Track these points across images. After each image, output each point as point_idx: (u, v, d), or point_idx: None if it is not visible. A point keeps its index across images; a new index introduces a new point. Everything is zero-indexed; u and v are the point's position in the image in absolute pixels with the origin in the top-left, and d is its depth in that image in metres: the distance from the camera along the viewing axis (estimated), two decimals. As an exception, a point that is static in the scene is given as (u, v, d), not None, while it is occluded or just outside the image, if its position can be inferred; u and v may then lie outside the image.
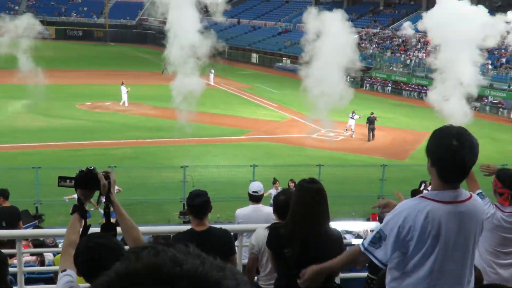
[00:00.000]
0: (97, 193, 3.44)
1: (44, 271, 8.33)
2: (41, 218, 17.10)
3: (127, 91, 35.44)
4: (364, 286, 6.38)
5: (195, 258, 1.06)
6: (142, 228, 3.75)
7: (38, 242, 9.78)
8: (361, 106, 36.26)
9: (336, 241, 4.39)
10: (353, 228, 10.58)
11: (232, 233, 5.56)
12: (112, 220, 3.42)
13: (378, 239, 3.34)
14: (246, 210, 7.54)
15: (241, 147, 27.29)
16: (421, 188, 17.24)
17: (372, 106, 33.15)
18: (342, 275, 6.48)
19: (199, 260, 1.05)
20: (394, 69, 52.55)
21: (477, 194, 4.32)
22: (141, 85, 44.07)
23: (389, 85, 50.84)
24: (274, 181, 17.41)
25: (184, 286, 1.00)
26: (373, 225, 7.67)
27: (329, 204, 4.33)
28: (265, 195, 8.84)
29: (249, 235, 6.31)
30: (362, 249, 3.40)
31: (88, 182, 3.39)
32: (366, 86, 51.46)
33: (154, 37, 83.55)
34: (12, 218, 7.64)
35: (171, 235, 7.31)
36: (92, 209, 14.76)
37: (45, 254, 9.39)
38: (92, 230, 3.44)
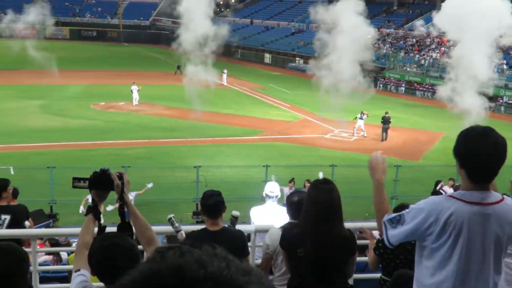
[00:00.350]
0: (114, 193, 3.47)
1: (59, 270, 8.39)
2: (55, 218, 17.22)
3: (138, 90, 35.59)
4: None
5: (221, 261, 1.04)
6: (155, 228, 3.76)
7: (55, 241, 9.85)
8: (374, 106, 36.14)
9: (349, 242, 4.38)
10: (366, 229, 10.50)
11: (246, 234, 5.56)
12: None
13: (397, 220, 3.33)
14: (261, 208, 7.54)
15: (254, 147, 27.29)
16: (437, 188, 17.19)
17: (386, 106, 32.99)
18: (355, 276, 6.46)
19: (224, 263, 1.04)
20: (408, 69, 52.28)
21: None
22: (154, 85, 44.27)
23: (403, 85, 50.59)
24: (290, 181, 17.39)
25: None
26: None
27: (343, 204, 4.32)
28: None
29: (261, 235, 6.31)
30: (384, 219, 3.40)
31: (102, 183, 3.41)
32: (379, 86, 51.24)
33: (168, 38, 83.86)
34: (19, 216, 7.67)
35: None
36: (109, 208, 14.83)
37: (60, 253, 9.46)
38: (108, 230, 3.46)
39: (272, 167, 19.67)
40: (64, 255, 9.68)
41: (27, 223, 7.80)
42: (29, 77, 45.71)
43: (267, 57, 69.12)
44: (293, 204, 5.21)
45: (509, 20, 22.56)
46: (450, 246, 3.19)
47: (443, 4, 24.67)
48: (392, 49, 57.64)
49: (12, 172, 18.06)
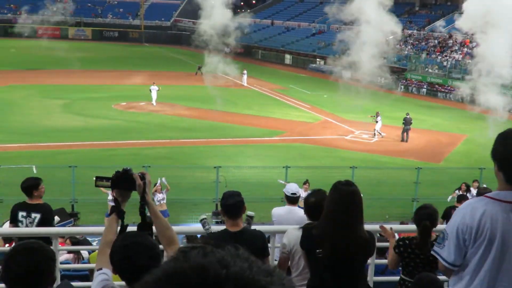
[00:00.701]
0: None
1: (80, 268, 8.47)
2: (76, 216, 17.40)
3: (158, 90, 35.80)
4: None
5: (243, 262, 1.05)
6: (175, 228, 3.78)
7: (75, 240, 9.95)
8: (395, 108, 35.97)
9: (368, 244, 4.36)
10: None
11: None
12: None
13: (442, 238, 3.38)
14: (282, 210, 7.54)
15: (274, 148, 27.28)
16: (462, 190, 17.13)
17: (407, 108, 32.76)
18: (375, 278, 6.43)
19: (247, 264, 1.05)
20: (430, 70, 51.81)
21: None
22: (175, 85, 44.50)
23: (424, 86, 50.16)
24: (305, 182, 17.34)
25: None
26: (407, 228, 7.58)
27: (363, 206, 4.30)
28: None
29: (281, 236, 6.31)
30: (432, 252, 3.46)
31: (124, 182, 3.44)
32: (400, 88, 50.89)
33: (188, 38, 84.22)
34: (49, 215, 7.78)
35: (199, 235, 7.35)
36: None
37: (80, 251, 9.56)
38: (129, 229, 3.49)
39: (292, 168, 19.65)
40: (85, 253, 9.78)
41: (57, 217, 7.90)
42: (52, 77, 46.26)
43: (288, 58, 69.04)
44: (310, 205, 5.21)
45: None
46: (487, 245, 3.17)
47: (464, 5, 24.42)
48: (414, 50, 57.19)
49: (34, 171, 18.31)
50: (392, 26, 26.47)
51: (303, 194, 15.12)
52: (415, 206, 16.64)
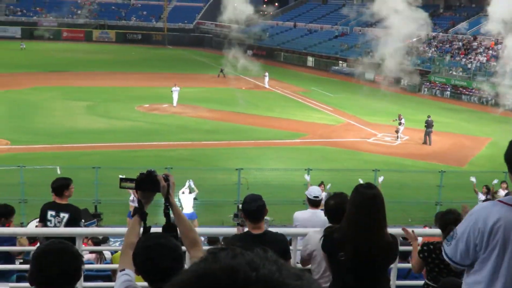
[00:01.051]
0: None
1: (102, 269, 8.55)
2: (99, 217, 17.56)
3: (179, 91, 36.00)
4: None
5: (272, 264, 1.05)
6: (198, 230, 3.80)
7: (98, 240, 10.05)
8: (418, 110, 35.65)
9: (391, 247, 4.33)
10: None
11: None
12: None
13: (451, 236, 3.41)
14: (305, 214, 7.51)
15: (296, 151, 27.23)
16: (484, 192, 16.98)
17: (430, 111, 32.40)
18: (398, 282, 6.38)
19: (276, 266, 1.04)
20: (454, 73, 51.25)
21: None
22: (197, 87, 44.68)
23: (448, 89, 49.63)
24: (320, 184, 17.25)
25: None
26: (430, 232, 7.51)
27: (386, 209, 4.27)
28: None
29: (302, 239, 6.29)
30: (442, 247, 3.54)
31: (148, 184, 3.46)
32: (424, 91, 50.43)
33: (211, 41, 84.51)
34: (77, 215, 7.87)
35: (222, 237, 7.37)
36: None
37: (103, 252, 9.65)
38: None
39: (314, 171, 19.59)
40: (107, 254, 9.87)
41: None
42: (76, 79, 46.79)
43: (310, 60, 68.85)
44: (330, 208, 5.19)
45: None
46: (500, 251, 3.12)
47: (489, 8, 24.14)
48: (438, 52, 56.64)
49: (59, 172, 18.49)
50: (418, 25, 26.21)
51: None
52: (438, 210, 16.47)
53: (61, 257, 3.08)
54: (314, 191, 7.45)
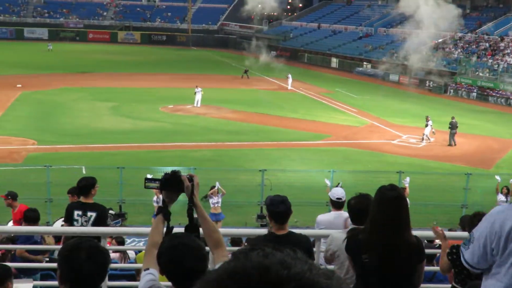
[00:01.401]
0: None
1: (126, 268, 8.63)
2: (124, 217, 17.71)
3: (201, 92, 36.18)
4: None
5: (303, 264, 1.07)
6: (220, 230, 3.81)
7: (121, 239, 10.13)
8: (444, 112, 35.24)
9: (416, 250, 4.29)
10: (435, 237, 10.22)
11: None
12: None
13: (468, 240, 3.40)
14: (328, 216, 7.47)
15: (319, 152, 27.13)
16: (504, 193, 16.84)
17: (456, 113, 32.02)
18: (422, 285, 6.30)
19: (307, 266, 1.06)
20: (480, 74, 50.59)
21: None
22: (221, 88, 44.84)
23: (475, 91, 48.99)
24: (337, 185, 17.15)
25: None
26: (456, 234, 7.41)
27: (410, 212, 4.23)
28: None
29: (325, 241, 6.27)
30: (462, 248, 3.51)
31: (172, 184, 3.49)
32: (450, 92, 49.89)
33: (235, 42, 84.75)
34: (104, 214, 7.94)
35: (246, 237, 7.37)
36: None
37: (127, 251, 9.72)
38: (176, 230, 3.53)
39: (338, 172, 19.50)
40: (131, 253, 9.95)
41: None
42: (102, 80, 47.32)
43: (334, 62, 68.61)
44: (354, 209, 5.17)
45: None
46: None
47: None
48: (464, 53, 55.97)
49: (84, 172, 18.73)
50: (448, 23, 25.95)
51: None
52: (464, 213, 16.26)
53: (93, 255, 3.08)
54: (338, 192, 7.40)
